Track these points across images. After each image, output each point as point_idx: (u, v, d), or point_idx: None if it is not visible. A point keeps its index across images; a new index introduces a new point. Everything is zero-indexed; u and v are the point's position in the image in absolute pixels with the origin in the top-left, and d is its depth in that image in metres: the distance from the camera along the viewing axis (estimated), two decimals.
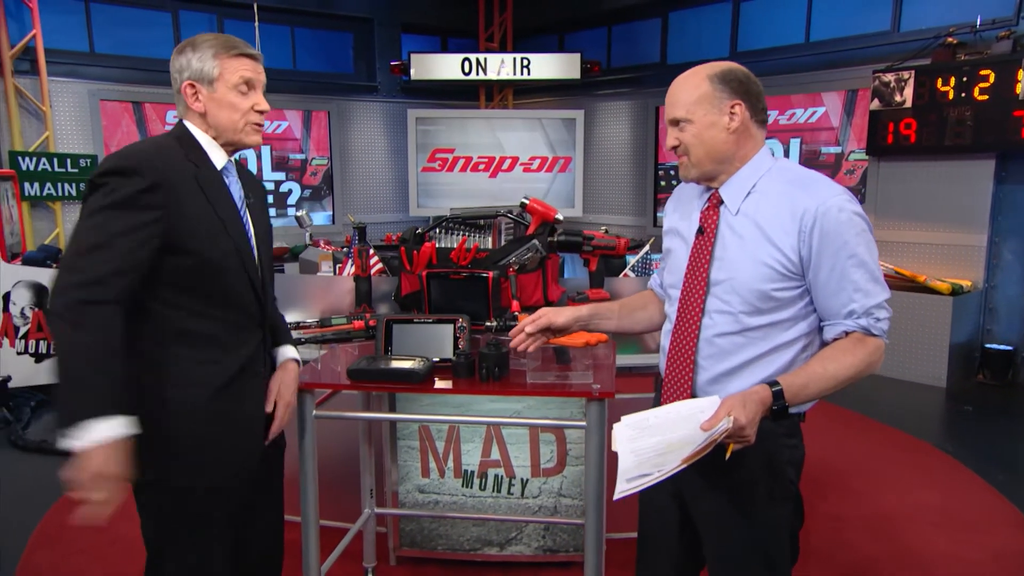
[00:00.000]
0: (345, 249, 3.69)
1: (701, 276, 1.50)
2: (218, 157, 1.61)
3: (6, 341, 4.32)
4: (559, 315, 1.70)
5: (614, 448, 1.43)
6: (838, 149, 5.79)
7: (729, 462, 1.45)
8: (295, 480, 2.04)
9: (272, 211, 7.48)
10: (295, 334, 2.28)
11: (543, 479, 2.59)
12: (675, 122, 1.50)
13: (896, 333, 5.09)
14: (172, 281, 1.51)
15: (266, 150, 7.39)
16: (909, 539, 2.92)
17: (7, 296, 4.30)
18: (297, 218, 4.57)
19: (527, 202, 2.40)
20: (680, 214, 1.64)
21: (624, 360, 2.37)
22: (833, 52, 5.79)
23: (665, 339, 1.64)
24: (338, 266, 3.29)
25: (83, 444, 1.30)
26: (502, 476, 2.60)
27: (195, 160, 1.57)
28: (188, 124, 1.60)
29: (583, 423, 1.94)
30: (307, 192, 7.69)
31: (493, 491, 2.62)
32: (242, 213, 1.65)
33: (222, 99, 1.56)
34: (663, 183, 7.19)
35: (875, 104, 5.19)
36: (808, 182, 1.46)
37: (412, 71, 7.36)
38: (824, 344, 1.49)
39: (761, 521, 1.53)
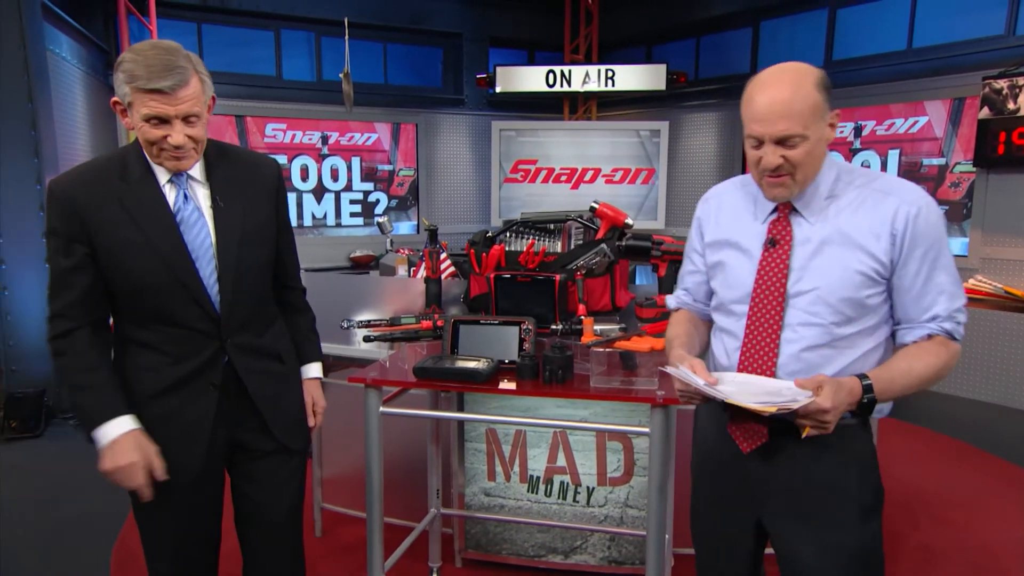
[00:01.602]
0: (420, 253, 3.78)
1: (778, 289, 1.42)
2: (163, 170, 1.58)
3: None
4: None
5: (670, 370, 1.43)
6: (942, 160, 5.45)
7: (818, 471, 1.43)
8: (364, 476, 2.09)
9: (359, 220, 7.76)
10: (365, 332, 2.34)
11: (609, 488, 2.55)
12: (783, 139, 1.34)
13: (1005, 357, 4.73)
14: (116, 294, 1.58)
15: (356, 161, 7.68)
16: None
17: None
18: (379, 224, 4.74)
19: (597, 206, 2.39)
20: (732, 224, 1.55)
21: None
22: (938, 58, 5.47)
23: (727, 358, 1.53)
24: (412, 269, 3.38)
25: (100, 447, 1.53)
26: (568, 483, 2.58)
27: (130, 177, 1.55)
28: None
29: (646, 430, 1.90)
30: (393, 202, 7.92)
31: (559, 498, 2.59)
32: (183, 225, 1.58)
33: (137, 127, 1.50)
34: None
35: (984, 112, 4.86)
36: (889, 184, 1.41)
37: (497, 84, 7.47)
38: (901, 347, 1.44)
39: (865, 535, 1.44)
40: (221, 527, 1.79)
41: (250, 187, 1.69)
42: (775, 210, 1.46)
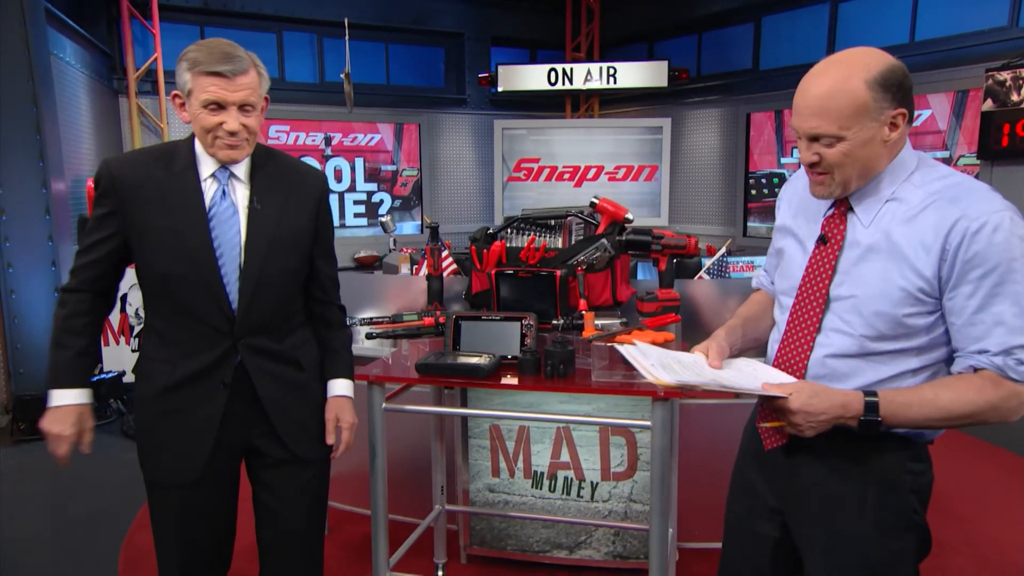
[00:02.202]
0: (422, 251, 3.80)
1: (821, 290, 1.34)
2: (208, 164, 1.62)
3: (123, 339, 4.68)
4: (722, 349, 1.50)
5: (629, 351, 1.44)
6: (946, 153, 5.44)
7: (839, 486, 1.36)
8: (368, 474, 2.09)
9: (363, 220, 7.78)
10: (367, 329, 2.35)
11: (613, 483, 2.55)
12: (815, 138, 1.26)
13: None
14: (142, 281, 1.65)
15: (359, 162, 7.70)
16: (1020, 569, 2.70)
17: (124, 297, 4.66)
18: (381, 223, 4.76)
19: (597, 202, 2.39)
20: (798, 212, 1.46)
21: None
22: (941, 51, 5.45)
23: (771, 348, 1.48)
24: (415, 267, 3.40)
25: (48, 406, 1.61)
26: (572, 478, 2.58)
27: (174, 167, 1.61)
28: None
29: (648, 423, 1.90)
30: (397, 202, 7.94)
31: (563, 493, 2.60)
32: (214, 221, 1.60)
33: (195, 115, 1.56)
34: (754, 192, 6.96)
35: (988, 105, 4.84)
36: (960, 190, 1.23)
37: (499, 83, 7.48)
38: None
39: (877, 554, 1.35)
40: (234, 527, 1.79)
41: (292, 195, 1.70)
42: (832, 206, 1.36)
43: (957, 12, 5.43)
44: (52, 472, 3.67)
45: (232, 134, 1.56)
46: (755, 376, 1.38)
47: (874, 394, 1.24)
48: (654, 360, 1.39)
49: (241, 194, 1.64)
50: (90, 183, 4.69)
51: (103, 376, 4.60)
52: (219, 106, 1.54)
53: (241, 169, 1.64)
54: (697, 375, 1.36)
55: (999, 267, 1.18)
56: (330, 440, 1.79)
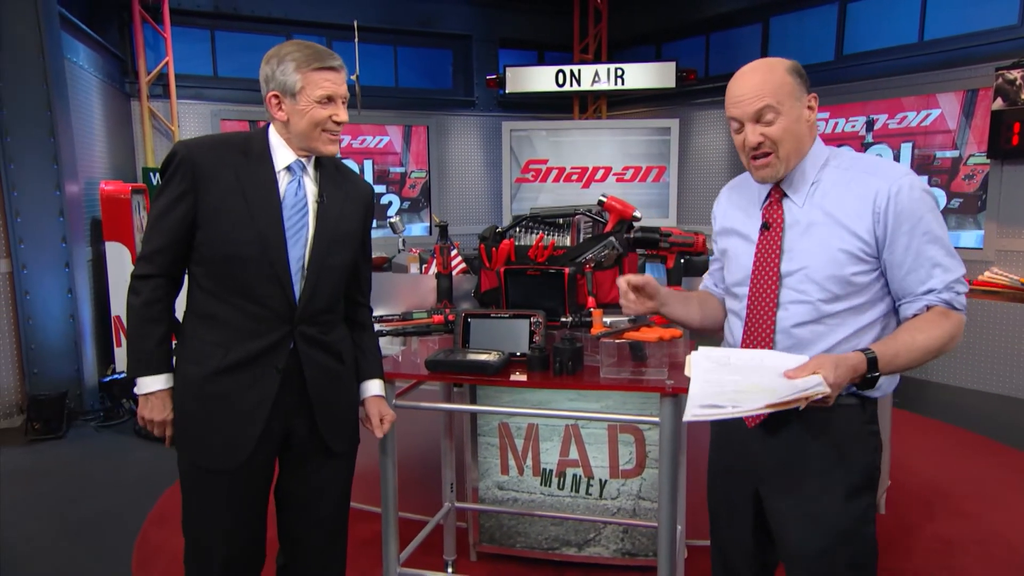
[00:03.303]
0: (432, 251, 3.83)
1: (772, 270, 1.50)
2: (284, 156, 1.68)
3: None
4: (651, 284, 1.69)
5: (687, 373, 1.44)
6: (955, 153, 5.41)
7: (809, 450, 1.47)
8: (378, 472, 2.11)
9: (372, 222, 7.82)
10: (378, 327, 2.38)
11: (622, 481, 2.56)
12: (758, 117, 1.44)
13: (1021, 349, 4.69)
14: (200, 262, 1.66)
15: (368, 164, 7.74)
16: None
17: None
18: (391, 224, 4.80)
19: (605, 200, 2.41)
20: (733, 215, 1.65)
21: None
22: (950, 50, 5.43)
23: (732, 337, 1.63)
24: (424, 266, 3.42)
25: (137, 395, 1.67)
26: (580, 476, 2.60)
27: (250, 154, 1.66)
28: (271, 126, 1.71)
29: (656, 419, 1.92)
30: (406, 204, 7.98)
31: (571, 491, 2.61)
32: (288, 210, 1.66)
33: (303, 110, 1.63)
34: None
35: (998, 104, 4.82)
36: (872, 165, 1.48)
37: (507, 84, 7.50)
38: (903, 320, 1.48)
39: (849, 514, 1.48)
40: (266, 518, 1.80)
41: (349, 197, 1.79)
42: (768, 196, 1.54)
43: (966, 11, 5.41)
44: (66, 471, 3.72)
45: (339, 124, 1.66)
46: (765, 369, 1.40)
47: (871, 350, 1.37)
48: (702, 383, 1.39)
49: (311, 189, 1.71)
50: (103, 186, 4.75)
51: (116, 376, 4.65)
52: (330, 99, 1.64)
53: (311, 166, 1.72)
54: (732, 402, 1.34)
55: (922, 219, 1.41)
56: (379, 433, 1.88)
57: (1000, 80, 4.79)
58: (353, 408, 1.86)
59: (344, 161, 8.41)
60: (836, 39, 6.36)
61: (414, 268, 3.89)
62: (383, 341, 2.59)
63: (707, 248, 2.33)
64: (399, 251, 5.27)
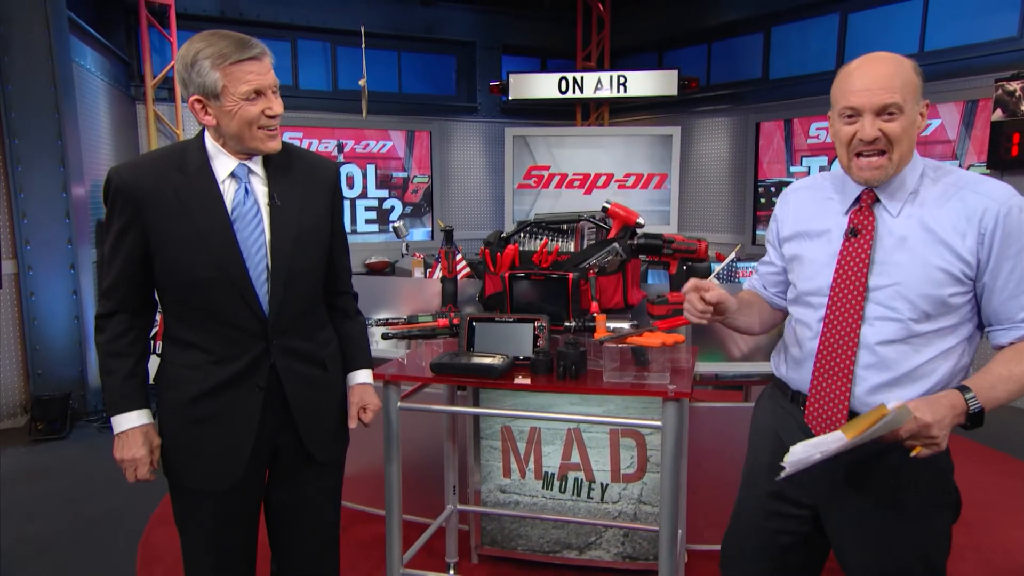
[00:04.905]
0: (435, 255, 3.86)
1: (859, 281, 1.40)
2: (225, 163, 1.56)
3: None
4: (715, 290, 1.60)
5: (789, 471, 1.35)
6: (956, 163, 5.45)
7: (886, 474, 1.43)
8: (382, 475, 2.11)
9: (375, 227, 7.84)
10: (383, 330, 2.39)
11: (623, 485, 2.58)
12: (881, 110, 1.34)
13: None
14: (164, 288, 1.59)
15: (371, 168, 7.78)
16: None
17: None
18: (394, 228, 4.83)
19: (609, 206, 2.44)
20: (808, 217, 1.54)
21: (708, 367, 2.34)
22: (950, 61, 5.48)
23: (799, 348, 1.53)
24: (428, 270, 3.45)
25: (113, 433, 1.59)
26: (582, 480, 2.61)
27: (189, 169, 1.54)
28: (205, 132, 1.58)
29: (658, 423, 1.93)
30: (408, 209, 8.01)
31: (573, 494, 2.63)
32: (239, 222, 1.55)
33: (231, 111, 1.49)
34: (763, 200, 6.98)
35: (997, 114, 4.86)
36: (976, 181, 1.39)
37: (510, 91, 7.55)
38: (998, 349, 1.41)
39: (928, 535, 1.45)
40: (258, 534, 1.78)
41: (308, 187, 1.65)
42: (858, 200, 1.45)
43: (967, 22, 5.46)
44: (69, 471, 3.73)
45: (273, 118, 1.52)
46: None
47: (967, 388, 1.31)
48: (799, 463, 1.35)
49: (260, 191, 1.59)
50: None
51: None
52: (258, 93, 1.49)
53: (258, 165, 1.59)
54: (818, 448, 1.32)
55: None
56: (352, 424, 1.79)
57: (1000, 91, 4.83)
58: (339, 415, 1.80)
59: (356, 166, 8.28)
60: (837, 49, 6.40)
61: (418, 272, 3.91)
62: (388, 344, 2.61)
63: (708, 255, 2.36)
64: (403, 255, 5.30)
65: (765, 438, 1.64)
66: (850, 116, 1.38)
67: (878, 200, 1.42)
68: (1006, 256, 1.33)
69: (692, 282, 1.55)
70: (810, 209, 1.54)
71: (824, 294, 1.45)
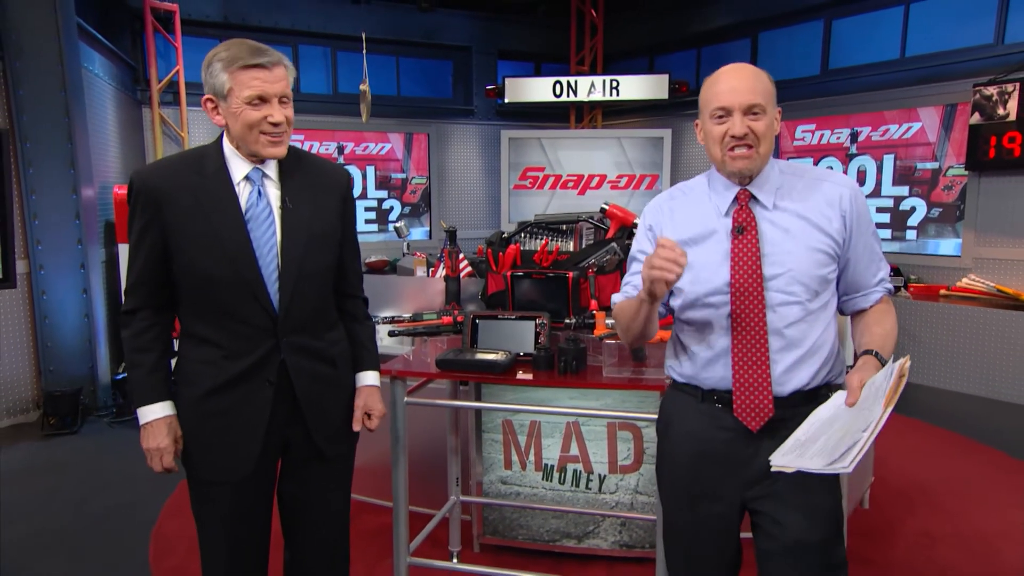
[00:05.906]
0: (437, 254, 3.96)
1: (756, 274, 1.49)
2: (240, 166, 1.63)
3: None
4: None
5: (789, 472, 1.35)
6: (935, 164, 5.61)
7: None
8: (387, 467, 2.19)
9: (374, 226, 7.94)
10: (389, 327, 2.49)
11: (620, 476, 2.64)
12: (748, 109, 1.48)
13: (997, 352, 4.86)
14: (181, 286, 1.64)
15: (371, 170, 7.87)
16: (1006, 558, 2.81)
17: None
18: (396, 228, 4.93)
19: (607, 207, 2.54)
20: (689, 223, 1.59)
21: None
22: (931, 67, 5.63)
23: (708, 348, 1.56)
24: (431, 269, 3.57)
25: (139, 424, 1.66)
26: (581, 471, 2.67)
27: (207, 172, 1.61)
28: (223, 136, 1.65)
29: (654, 416, 2.03)
30: (407, 209, 8.11)
31: (572, 485, 2.69)
32: (253, 223, 1.61)
33: (235, 113, 1.55)
34: None
35: (975, 118, 5.02)
36: (828, 174, 1.60)
37: (506, 94, 7.65)
38: (860, 312, 1.62)
39: (836, 512, 1.54)
40: (271, 524, 1.82)
41: (320, 192, 1.71)
42: (735, 201, 1.55)
43: (946, 29, 5.59)
44: (81, 465, 3.80)
45: (276, 126, 1.57)
46: (831, 420, 1.39)
47: (877, 352, 1.48)
48: (817, 464, 1.31)
49: (273, 195, 1.64)
50: (116, 190, 4.87)
51: None
52: (262, 100, 1.55)
53: (272, 169, 1.65)
54: (853, 440, 1.31)
55: (870, 219, 1.58)
56: (356, 427, 1.82)
57: (977, 96, 4.98)
58: (348, 412, 1.83)
59: (356, 168, 8.27)
60: (822, 54, 6.54)
61: (421, 271, 4.01)
62: (393, 341, 2.69)
63: None
64: (403, 255, 5.39)
65: (681, 443, 1.63)
66: (720, 116, 1.51)
67: (753, 197, 1.54)
68: (861, 231, 1.55)
69: (663, 239, 1.43)
70: (688, 215, 1.60)
71: (724, 292, 1.52)
